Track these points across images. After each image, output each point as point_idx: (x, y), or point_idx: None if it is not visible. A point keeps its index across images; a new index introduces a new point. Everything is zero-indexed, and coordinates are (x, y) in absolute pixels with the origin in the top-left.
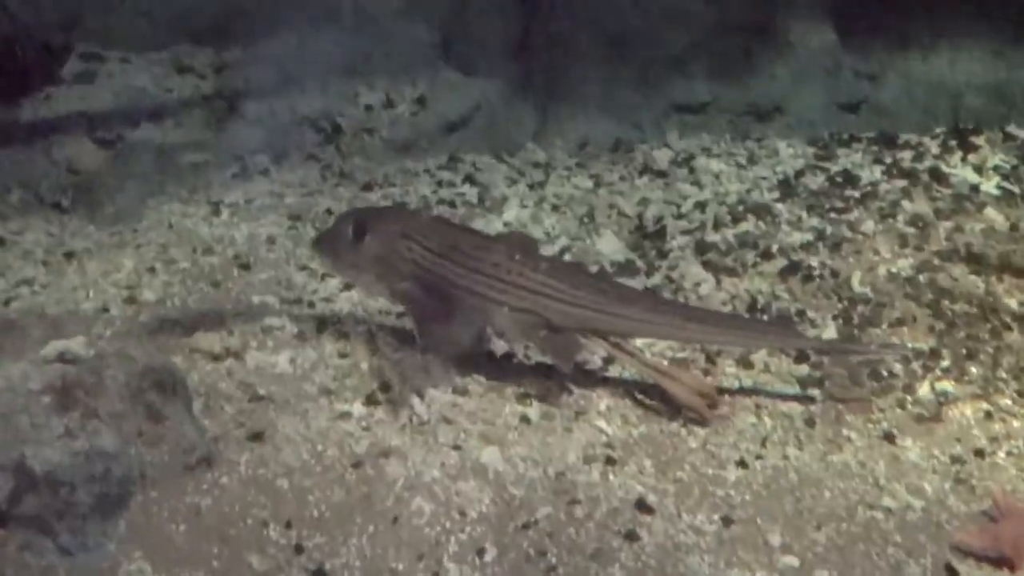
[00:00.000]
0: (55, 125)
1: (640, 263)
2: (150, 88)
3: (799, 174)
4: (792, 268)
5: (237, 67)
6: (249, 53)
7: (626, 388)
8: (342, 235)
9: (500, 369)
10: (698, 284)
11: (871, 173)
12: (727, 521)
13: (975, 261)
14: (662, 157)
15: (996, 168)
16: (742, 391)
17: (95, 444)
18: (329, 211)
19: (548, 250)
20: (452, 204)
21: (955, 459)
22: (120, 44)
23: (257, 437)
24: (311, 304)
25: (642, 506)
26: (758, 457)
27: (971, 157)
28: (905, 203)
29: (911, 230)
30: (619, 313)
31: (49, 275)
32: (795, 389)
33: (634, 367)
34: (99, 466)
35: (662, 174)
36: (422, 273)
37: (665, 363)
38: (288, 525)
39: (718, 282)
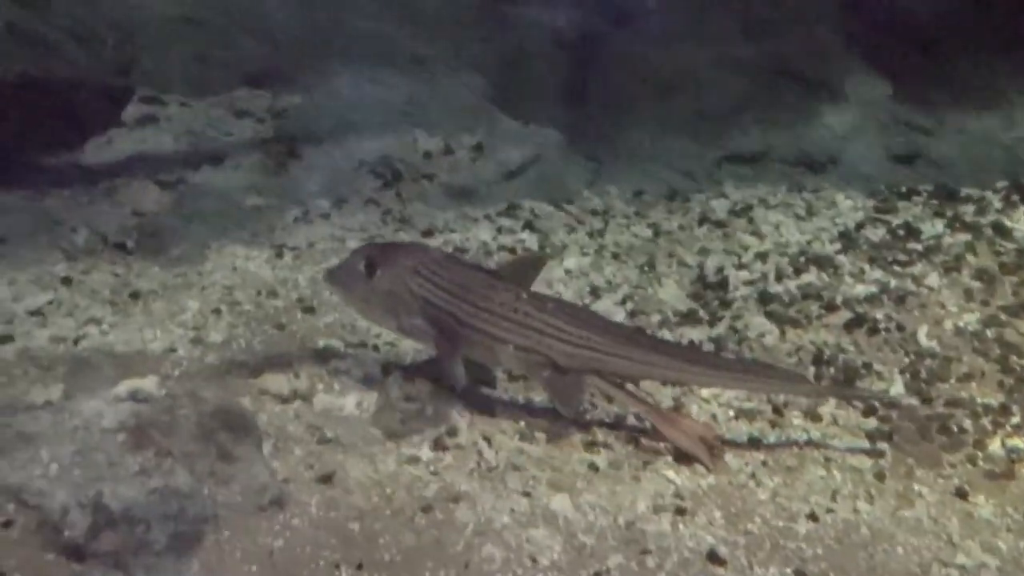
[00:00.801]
0: (117, 168)
1: (703, 313)
2: (209, 132)
3: (859, 226)
4: (857, 321)
5: (295, 112)
6: (306, 99)
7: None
8: (355, 269)
9: (566, 416)
10: (762, 335)
11: (933, 227)
12: (800, 575)
13: None
14: (720, 207)
15: None
16: (810, 443)
17: (170, 483)
18: None
19: (609, 299)
20: (513, 251)
21: None
22: (178, 88)
23: (326, 479)
24: (375, 348)
25: (714, 557)
26: (828, 511)
27: None
28: (969, 257)
29: (977, 284)
30: (622, 355)
31: (116, 315)
32: (863, 443)
33: (636, 410)
34: (174, 505)
35: (721, 224)
36: (431, 309)
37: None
38: (359, 567)
39: (782, 333)
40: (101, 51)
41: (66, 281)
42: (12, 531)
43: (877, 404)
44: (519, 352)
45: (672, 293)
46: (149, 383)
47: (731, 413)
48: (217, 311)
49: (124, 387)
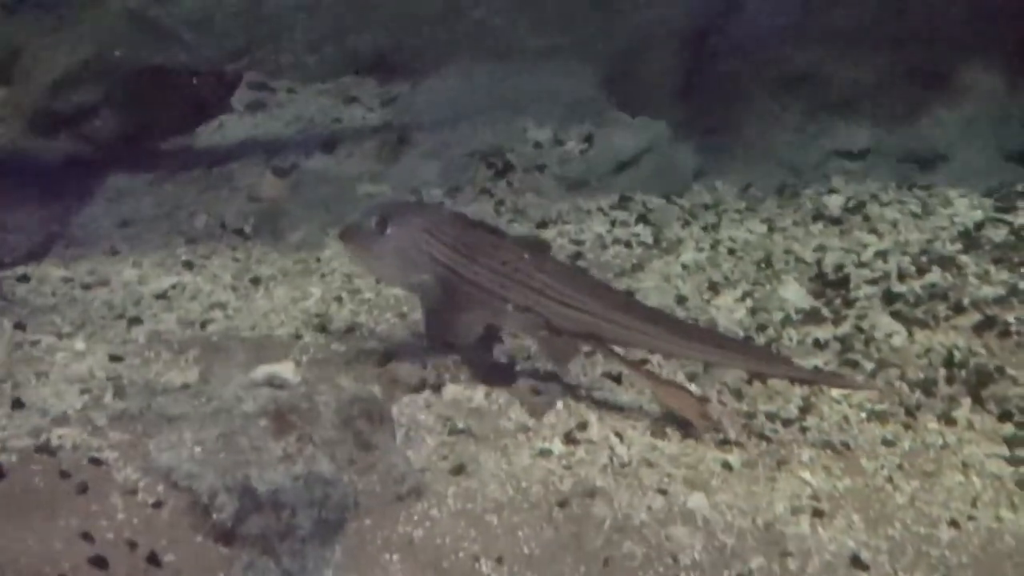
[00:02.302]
0: (231, 153)
1: (826, 312)
2: (319, 118)
3: (979, 226)
4: (987, 323)
5: (404, 101)
6: (415, 87)
7: (826, 440)
8: (367, 226)
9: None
10: (890, 335)
11: None
12: None
13: None
14: (833, 203)
15: None
16: (946, 448)
17: (313, 469)
18: None
19: (729, 295)
20: (628, 244)
21: None
22: (286, 75)
23: (461, 470)
24: (500, 339)
25: (856, 562)
26: (970, 518)
27: None
28: None
29: None
30: (614, 320)
31: (239, 300)
32: (1002, 449)
33: (627, 371)
34: (318, 491)
35: (836, 221)
36: (437, 267)
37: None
38: (499, 560)
39: (911, 334)
40: (214, 38)
41: (188, 265)
42: (163, 512)
43: (1013, 410)
44: (518, 311)
45: (793, 291)
46: (285, 369)
47: (863, 415)
48: (339, 299)
49: (261, 372)
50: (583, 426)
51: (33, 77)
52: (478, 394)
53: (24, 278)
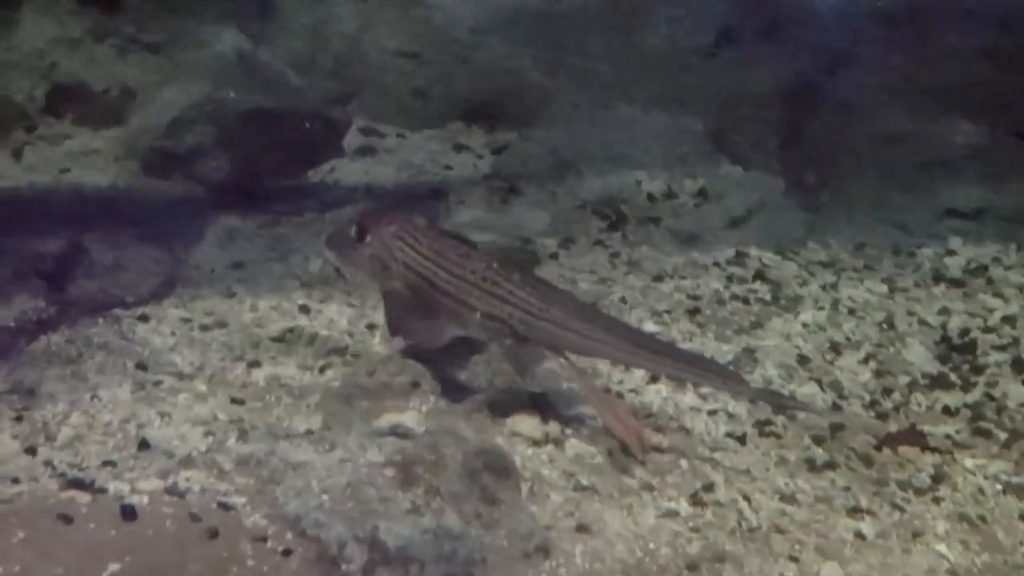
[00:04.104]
0: (344, 197)
1: (954, 377)
2: (429, 165)
3: None
4: None
5: (513, 149)
6: (524, 136)
7: (961, 512)
8: (347, 234)
9: (823, 477)
10: (1023, 405)
11: None
12: None
13: None
14: (953, 264)
15: None
16: None
17: (441, 523)
18: (623, 299)
19: (851, 356)
20: (746, 301)
21: None
22: (394, 120)
23: (586, 529)
24: (619, 395)
25: None
26: None
27: None
28: None
29: None
30: (576, 330)
31: (355, 345)
32: None
33: (581, 388)
34: (446, 546)
35: (958, 283)
36: (409, 274)
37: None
38: None
39: None
40: (319, 81)
41: (304, 309)
42: (291, 561)
43: None
44: (485, 319)
45: (918, 354)
46: (410, 418)
47: (998, 487)
48: None
49: (385, 421)
50: (709, 487)
51: (146, 118)
52: (600, 450)
53: (143, 318)
